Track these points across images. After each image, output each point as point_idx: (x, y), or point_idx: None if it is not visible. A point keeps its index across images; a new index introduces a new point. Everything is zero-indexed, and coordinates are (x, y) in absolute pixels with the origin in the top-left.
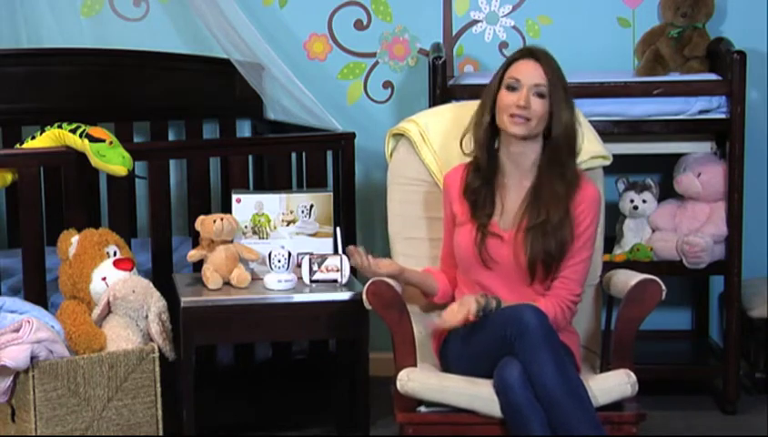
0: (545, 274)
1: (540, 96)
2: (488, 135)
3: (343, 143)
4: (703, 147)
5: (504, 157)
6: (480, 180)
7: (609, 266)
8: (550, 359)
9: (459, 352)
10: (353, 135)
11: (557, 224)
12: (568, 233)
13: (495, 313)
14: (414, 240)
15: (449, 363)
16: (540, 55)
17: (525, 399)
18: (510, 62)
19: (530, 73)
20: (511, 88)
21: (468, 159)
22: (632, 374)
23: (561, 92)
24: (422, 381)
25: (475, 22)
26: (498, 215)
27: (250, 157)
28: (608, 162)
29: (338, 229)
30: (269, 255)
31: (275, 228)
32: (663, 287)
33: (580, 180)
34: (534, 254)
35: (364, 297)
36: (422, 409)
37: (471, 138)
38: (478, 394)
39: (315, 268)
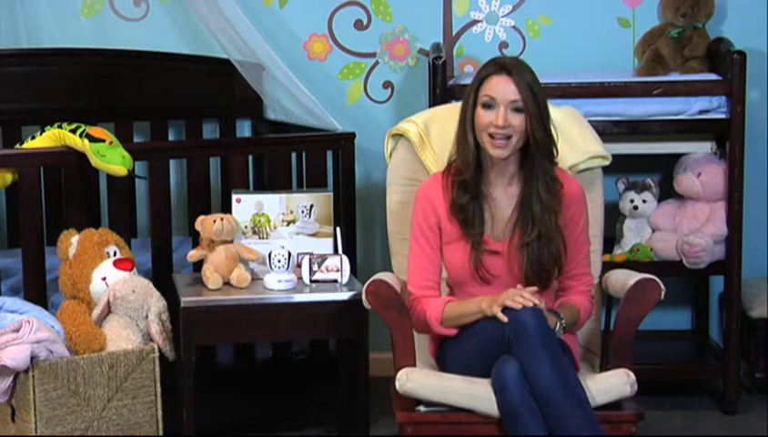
0: (541, 286)
1: (517, 111)
2: (475, 154)
3: (343, 143)
4: (703, 147)
5: (486, 167)
6: (469, 196)
7: (609, 266)
8: (547, 358)
9: (457, 353)
10: (353, 135)
11: (549, 237)
12: (560, 244)
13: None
14: None
15: (446, 365)
16: (512, 69)
17: (522, 398)
18: (482, 78)
19: (504, 90)
20: (487, 106)
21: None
22: (631, 374)
23: (537, 103)
24: (421, 380)
25: (475, 22)
26: (489, 228)
27: (250, 157)
28: (607, 162)
29: (338, 229)
30: (269, 255)
31: (275, 228)
32: (662, 286)
33: (563, 182)
34: (528, 268)
35: (363, 296)
36: (421, 408)
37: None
38: (476, 394)
39: (315, 268)
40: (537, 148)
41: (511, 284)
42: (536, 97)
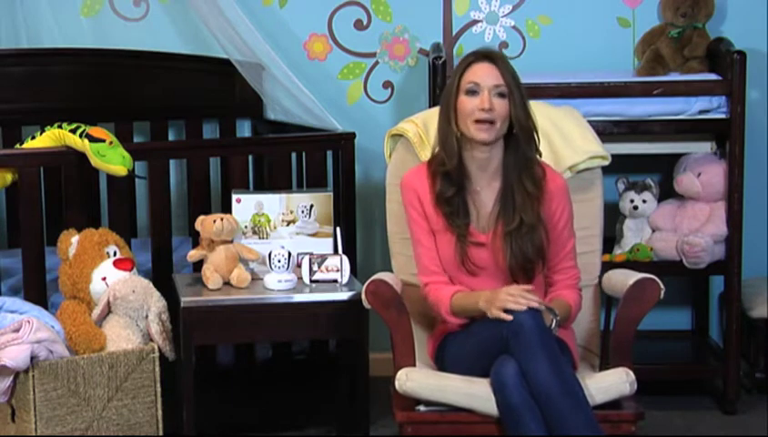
0: (526, 277)
1: (501, 96)
2: (458, 143)
3: (343, 143)
4: (703, 147)
5: (469, 162)
6: (454, 188)
7: (609, 266)
8: (545, 357)
9: (456, 353)
10: (353, 135)
11: (531, 227)
12: (542, 234)
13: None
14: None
15: (445, 365)
16: (493, 56)
17: (521, 397)
18: (464, 67)
19: (487, 75)
20: (471, 93)
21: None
22: (631, 373)
23: (518, 90)
24: (421, 380)
25: (475, 22)
26: (474, 220)
27: (250, 157)
28: (606, 162)
29: (338, 229)
30: (269, 255)
31: (275, 228)
32: (662, 285)
33: (545, 174)
34: (512, 259)
35: (363, 296)
36: (421, 408)
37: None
38: (475, 393)
39: (315, 268)
40: (520, 132)
41: (498, 276)
42: (518, 83)
